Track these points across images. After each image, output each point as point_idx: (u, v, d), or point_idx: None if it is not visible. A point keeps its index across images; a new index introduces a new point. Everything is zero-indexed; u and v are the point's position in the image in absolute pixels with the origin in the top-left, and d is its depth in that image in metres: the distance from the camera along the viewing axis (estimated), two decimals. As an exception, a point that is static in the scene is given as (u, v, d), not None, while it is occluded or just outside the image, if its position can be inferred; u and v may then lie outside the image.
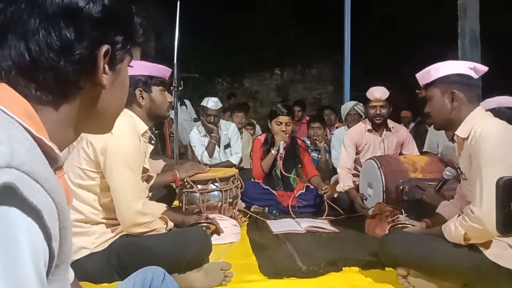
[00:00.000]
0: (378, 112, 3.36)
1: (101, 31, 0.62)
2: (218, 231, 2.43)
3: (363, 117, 4.95)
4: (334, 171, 4.63)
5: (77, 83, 0.62)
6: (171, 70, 2.21)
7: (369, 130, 3.44)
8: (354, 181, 3.38)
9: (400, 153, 3.49)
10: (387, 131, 3.47)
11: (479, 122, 1.75)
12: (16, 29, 0.58)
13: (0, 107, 0.54)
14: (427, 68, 1.92)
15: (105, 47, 0.62)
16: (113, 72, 0.66)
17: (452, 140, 3.35)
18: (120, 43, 0.65)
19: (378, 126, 3.42)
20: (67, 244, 0.55)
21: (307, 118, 6.39)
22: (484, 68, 1.87)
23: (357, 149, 3.48)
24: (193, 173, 2.82)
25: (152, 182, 2.34)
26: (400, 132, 3.53)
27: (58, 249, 0.53)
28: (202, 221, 2.33)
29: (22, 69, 0.58)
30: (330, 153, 4.86)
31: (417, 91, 2.01)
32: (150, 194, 2.24)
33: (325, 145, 4.89)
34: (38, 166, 0.51)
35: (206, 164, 4.14)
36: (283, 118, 3.46)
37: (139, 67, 2.04)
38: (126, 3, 0.68)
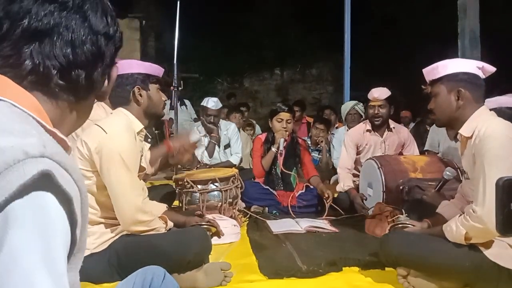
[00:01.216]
0: (376, 112, 3.35)
1: (115, 54, 0.73)
2: (218, 234, 2.43)
3: (363, 117, 4.97)
4: (334, 171, 4.63)
5: (99, 89, 0.72)
6: (163, 69, 2.21)
7: (368, 131, 3.44)
8: (354, 181, 3.38)
9: (400, 153, 3.49)
10: (388, 131, 3.46)
11: (483, 122, 1.75)
12: (64, 34, 0.64)
13: (11, 102, 0.58)
14: (434, 64, 1.91)
15: (116, 67, 0.75)
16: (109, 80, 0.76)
17: (455, 139, 3.35)
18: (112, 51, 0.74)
19: (378, 127, 3.42)
20: (85, 232, 0.59)
21: (307, 118, 6.40)
22: (492, 69, 1.86)
23: (357, 149, 3.47)
24: (184, 141, 2.48)
25: (148, 157, 2.30)
26: (401, 133, 3.53)
27: (79, 237, 0.56)
28: (203, 223, 2.33)
29: (62, 70, 0.64)
30: (330, 153, 4.86)
31: (422, 86, 2.01)
32: (152, 169, 2.21)
33: (326, 145, 4.89)
34: (65, 157, 0.56)
35: (206, 164, 4.15)
36: (284, 115, 3.46)
37: (136, 66, 2.04)
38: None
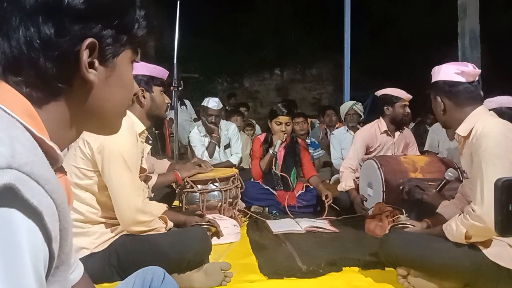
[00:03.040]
0: (408, 111, 3.33)
1: (84, 25, 0.59)
2: (218, 234, 2.44)
3: (362, 117, 4.97)
4: (335, 171, 4.64)
5: (63, 80, 0.60)
6: (168, 72, 2.23)
7: (385, 131, 3.38)
8: (356, 179, 3.36)
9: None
10: (400, 132, 3.44)
11: (480, 121, 1.76)
12: (2, 28, 0.57)
13: (1, 106, 0.54)
14: (433, 69, 1.96)
15: (87, 41, 0.59)
16: (106, 67, 0.63)
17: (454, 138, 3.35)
18: (110, 37, 0.62)
19: (398, 127, 3.38)
20: (67, 245, 0.55)
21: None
22: (474, 71, 1.86)
23: (367, 149, 3.44)
24: (194, 173, 2.83)
25: (153, 182, 2.34)
26: (406, 133, 3.52)
27: (58, 250, 0.53)
28: (204, 223, 2.33)
29: (8, 67, 0.58)
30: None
31: (427, 91, 2.04)
32: (152, 194, 2.24)
33: (312, 141, 4.94)
34: (39, 167, 0.50)
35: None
36: (283, 118, 3.46)
37: (141, 68, 2.05)
38: None
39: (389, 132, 3.39)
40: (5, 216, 0.46)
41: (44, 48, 0.57)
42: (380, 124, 3.40)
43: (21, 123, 0.54)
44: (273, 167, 3.49)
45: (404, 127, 3.47)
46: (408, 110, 3.32)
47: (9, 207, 0.46)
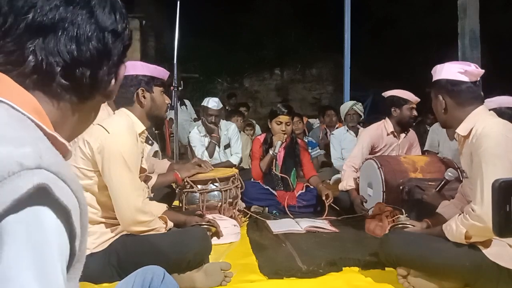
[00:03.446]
0: (415, 113, 3.32)
1: (124, 53, 0.71)
2: (218, 234, 2.44)
3: (362, 117, 4.98)
4: (335, 171, 4.64)
5: (105, 88, 0.69)
6: (169, 72, 2.23)
7: (391, 133, 3.37)
8: (357, 178, 3.36)
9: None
10: (406, 134, 3.43)
11: (480, 121, 1.76)
12: (69, 30, 0.62)
13: (10, 103, 0.55)
14: (434, 68, 1.95)
15: (124, 66, 0.71)
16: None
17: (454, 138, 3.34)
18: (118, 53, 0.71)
19: (403, 129, 3.38)
20: (84, 242, 0.57)
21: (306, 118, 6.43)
22: (478, 71, 1.85)
23: (372, 149, 3.42)
24: (194, 173, 2.83)
25: (153, 182, 2.34)
26: (411, 135, 3.51)
27: (78, 248, 0.54)
28: (204, 223, 2.33)
29: (66, 68, 0.62)
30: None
31: (427, 89, 2.04)
32: (152, 194, 2.24)
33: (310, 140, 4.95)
34: (64, 166, 0.52)
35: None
36: (283, 118, 3.46)
37: (141, 68, 2.05)
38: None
39: (395, 134, 3.38)
40: (38, 215, 0.47)
41: (108, 61, 0.68)
42: (387, 125, 3.38)
43: (32, 120, 0.55)
44: (273, 168, 3.49)
45: (409, 129, 3.46)
46: (415, 113, 3.31)
47: (42, 206, 0.47)
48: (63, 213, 0.49)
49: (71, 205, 0.51)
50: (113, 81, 0.70)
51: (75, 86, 0.63)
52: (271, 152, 3.46)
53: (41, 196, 0.47)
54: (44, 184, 0.47)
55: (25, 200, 0.46)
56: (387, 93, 3.39)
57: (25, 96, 0.58)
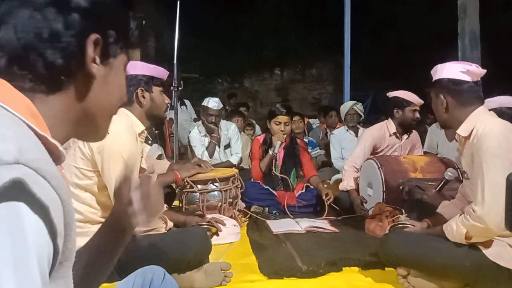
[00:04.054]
0: (417, 116, 3.31)
1: (91, 22, 0.63)
2: (217, 233, 2.44)
3: (362, 117, 4.98)
4: (335, 171, 4.64)
5: (67, 72, 0.62)
6: (169, 72, 2.23)
7: (394, 134, 3.36)
8: (357, 178, 3.35)
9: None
10: (408, 136, 3.42)
11: (481, 121, 1.76)
12: (9, 21, 0.59)
13: (4, 106, 0.55)
14: (434, 67, 1.94)
15: (94, 36, 0.63)
16: (105, 65, 0.67)
17: (454, 139, 3.33)
18: (112, 37, 0.67)
19: (405, 130, 3.37)
20: (71, 241, 0.56)
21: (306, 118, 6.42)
22: (479, 71, 1.85)
23: (374, 149, 3.41)
24: (194, 173, 2.83)
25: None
26: (413, 136, 3.49)
27: (62, 246, 0.54)
28: (204, 223, 2.33)
29: (13, 59, 0.60)
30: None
31: (426, 89, 2.03)
32: None
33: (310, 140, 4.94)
34: (45, 163, 0.52)
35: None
36: (282, 118, 3.46)
37: (141, 68, 2.05)
38: (120, 4, 0.70)
39: (397, 135, 3.38)
40: (13, 210, 0.46)
41: (52, 40, 0.60)
42: (389, 126, 3.37)
43: (24, 122, 0.55)
44: (273, 168, 3.49)
45: (412, 130, 3.45)
46: (417, 115, 3.30)
47: (17, 201, 0.47)
48: (41, 209, 0.49)
49: (50, 202, 0.50)
50: (90, 55, 0.63)
51: (36, 74, 0.60)
52: (270, 152, 3.46)
53: (17, 191, 0.47)
54: (21, 179, 0.47)
55: (1, 194, 0.46)
56: (391, 94, 3.38)
57: (20, 98, 0.58)
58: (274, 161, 3.49)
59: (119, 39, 0.69)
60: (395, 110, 3.31)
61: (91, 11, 0.64)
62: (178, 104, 4.62)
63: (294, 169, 3.59)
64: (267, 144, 3.55)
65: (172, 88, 4.20)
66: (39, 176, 0.49)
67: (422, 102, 3.30)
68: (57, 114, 0.64)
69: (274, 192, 3.45)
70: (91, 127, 0.71)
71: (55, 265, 0.53)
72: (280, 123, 3.46)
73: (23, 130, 0.54)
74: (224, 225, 2.50)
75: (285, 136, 3.47)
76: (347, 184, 3.31)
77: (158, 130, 5.95)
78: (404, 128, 3.35)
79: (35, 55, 0.60)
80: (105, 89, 0.69)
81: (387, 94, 3.45)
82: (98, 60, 0.65)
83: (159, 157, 2.88)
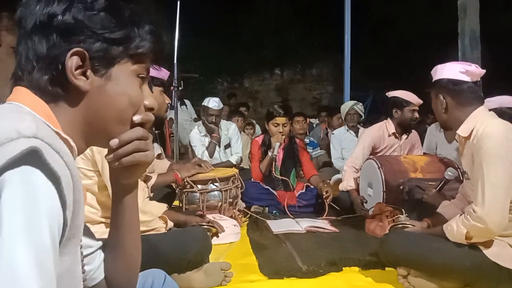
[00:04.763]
0: (416, 116, 3.31)
1: (73, 39, 0.67)
2: (217, 234, 2.44)
3: (363, 116, 4.97)
4: (335, 171, 4.64)
5: (56, 86, 0.67)
6: (169, 72, 2.23)
7: (393, 134, 3.36)
8: (357, 178, 3.35)
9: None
10: (407, 135, 3.41)
11: (481, 122, 1.76)
12: (17, 46, 0.70)
13: (24, 107, 0.64)
14: (434, 67, 1.94)
15: (72, 51, 0.66)
16: (100, 76, 0.70)
17: (454, 140, 3.33)
18: (100, 49, 0.68)
19: (404, 130, 3.37)
20: (79, 218, 0.60)
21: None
22: (479, 71, 1.85)
23: (373, 150, 3.40)
24: (194, 173, 2.83)
25: (153, 182, 2.34)
26: (413, 136, 3.49)
27: (71, 221, 0.57)
28: (204, 223, 2.33)
29: (17, 76, 0.69)
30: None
31: (426, 90, 2.04)
32: (152, 194, 2.24)
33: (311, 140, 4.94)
34: (59, 142, 0.59)
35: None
36: (280, 120, 3.46)
37: None
38: (121, 10, 0.71)
39: (396, 135, 3.37)
40: (29, 175, 0.52)
41: (37, 61, 0.67)
42: (388, 126, 3.37)
43: (40, 119, 0.63)
44: (273, 170, 3.48)
45: (412, 130, 3.44)
46: (416, 115, 3.30)
47: (33, 167, 0.52)
48: (53, 178, 0.54)
49: (61, 173, 0.55)
50: (71, 70, 0.66)
51: (36, 89, 0.67)
52: (269, 153, 3.46)
53: (33, 159, 0.53)
54: (37, 148, 0.53)
55: (19, 160, 0.52)
56: (391, 93, 3.38)
57: (37, 102, 0.66)
58: (273, 162, 3.49)
59: (113, 48, 0.70)
60: (394, 110, 3.31)
61: (74, 28, 0.67)
62: (178, 104, 4.62)
63: (294, 169, 3.59)
64: (266, 145, 3.54)
65: (172, 88, 4.20)
66: (53, 150, 0.56)
67: (421, 102, 3.29)
68: (67, 124, 0.68)
69: (274, 192, 3.45)
70: (102, 134, 0.74)
71: (63, 239, 0.56)
72: (278, 124, 3.45)
73: (40, 121, 0.61)
74: (223, 231, 2.50)
75: (283, 137, 3.47)
76: (347, 184, 3.31)
77: (158, 130, 5.95)
78: (403, 128, 3.34)
79: (27, 75, 0.67)
80: (105, 98, 0.70)
81: (387, 93, 3.45)
82: (88, 72, 0.68)
83: (158, 156, 2.87)
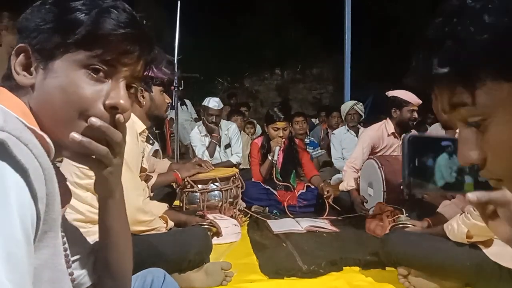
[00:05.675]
0: (415, 116, 3.30)
1: (23, 36, 0.69)
2: (218, 234, 2.44)
3: (363, 116, 4.97)
4: (335, 171, 4.64)
5: (12, 83, 0.68)
6: (169, 72, 2.23)
7: (392, 134, 3.35)
8: (358, 178, 3.35)
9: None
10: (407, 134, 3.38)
11: None
12: None
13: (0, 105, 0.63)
14: None
15: (16, 47, 0.68)
16: (43, 69, 0.67)
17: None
18: (39, 42, 0.67)
19: (403, 130, 3.36)
20: (54, 210, 0.58)
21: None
22: None
23: (373, 150, 3.39)
24: (194, 173, 2.83)
25: (152, 181, 2.34)
26: None
27: (44, 213, 0.56)
28: (204, 223, 2.33)
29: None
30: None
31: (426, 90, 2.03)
32: (152, 194, 2.24)
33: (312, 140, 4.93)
34: (28, 135, 0.57)
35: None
36: (280, 124, 3.44)
37: None
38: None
39: (396, 135, 3.37)
40: None
41: (8, 59, 0.69)
42: (388, 126, 3.35)
43: (15, 117, 0.61)
44: (273, 173, 3.47)
45: (412, 130, 3.43)
46: (415, 115, 3.28)
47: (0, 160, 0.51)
48: (21, 170, 0.53)
49: (29, 166, 0.54)
50: (12, 65, 0.68)
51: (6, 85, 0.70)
52: (269, 157, 3.45)
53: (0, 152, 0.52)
54: (3, 141, 0.52)
55: None
56: (390, 93, 3.37)
57: (14, 100, 0.66)
58: (274, 166, 3.48)
59: (55, 38, 0.66)
60: (393, 110, 3.30)
61: (24, 26, 0.69)
62: (179, 104, 4.62)
63: (294, 170, 3.58)
64: (265, 148, 3.53)
65: (172, 88, 4.20)
66: (21, 143, 0.55)
67: (420, 102, 3.28)
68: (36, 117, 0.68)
69: (274, 192, 3.45)
70: (55, 134, 0.67)
71: (38, 233, 0.56)
72: (278, 129, 3.44)
73: (10, 116, 0.60)
74: (221, 236, 2.50)
75: (283, 140, 3.46)
76: (347, 184, 3.31)
77: (158, 129, 5.95)
78: (402, 128, 3.34)
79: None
80: (43, 93, 0.67)
81: (386, 93, 3.44)
82: (33, 67, 0.67)
83: (155, 154, 2.87)
